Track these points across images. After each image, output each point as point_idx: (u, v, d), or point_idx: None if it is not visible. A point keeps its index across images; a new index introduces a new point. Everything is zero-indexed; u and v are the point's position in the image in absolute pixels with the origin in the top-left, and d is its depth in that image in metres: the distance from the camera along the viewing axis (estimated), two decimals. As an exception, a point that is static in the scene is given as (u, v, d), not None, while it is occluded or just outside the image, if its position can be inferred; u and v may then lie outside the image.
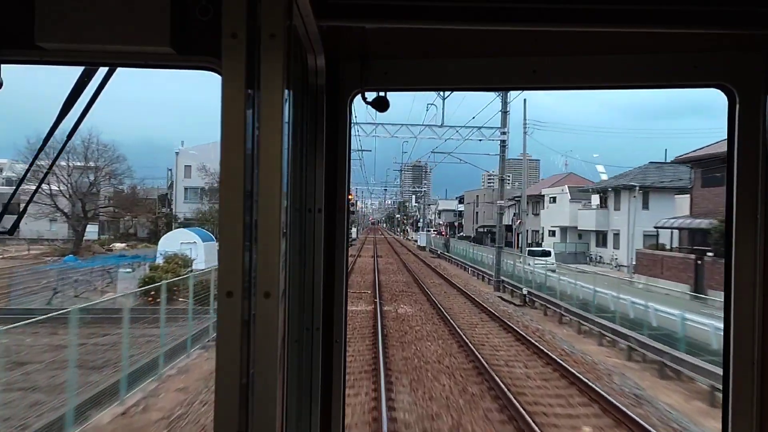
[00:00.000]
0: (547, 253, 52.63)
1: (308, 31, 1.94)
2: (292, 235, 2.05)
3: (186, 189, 66.51)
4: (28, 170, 2.52)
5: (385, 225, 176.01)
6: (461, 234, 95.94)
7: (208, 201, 66.99)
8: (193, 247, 36.84)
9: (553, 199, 64.52)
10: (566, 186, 62.85)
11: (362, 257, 55.23)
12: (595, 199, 56.85)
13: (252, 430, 1.51)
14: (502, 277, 34.04)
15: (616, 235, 51.39)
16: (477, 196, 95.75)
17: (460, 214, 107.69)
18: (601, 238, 55.09)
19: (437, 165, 64.16)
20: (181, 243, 36.77)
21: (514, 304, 28.07)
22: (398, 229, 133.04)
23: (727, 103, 2.24)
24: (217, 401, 1.49)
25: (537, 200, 69.11)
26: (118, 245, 48.26)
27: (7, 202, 2.27)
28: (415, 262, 51.98)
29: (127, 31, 1.66)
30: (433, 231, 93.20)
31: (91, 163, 46.03)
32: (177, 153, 66.36)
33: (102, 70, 1.93)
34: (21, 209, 2.35)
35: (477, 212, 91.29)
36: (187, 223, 63.89)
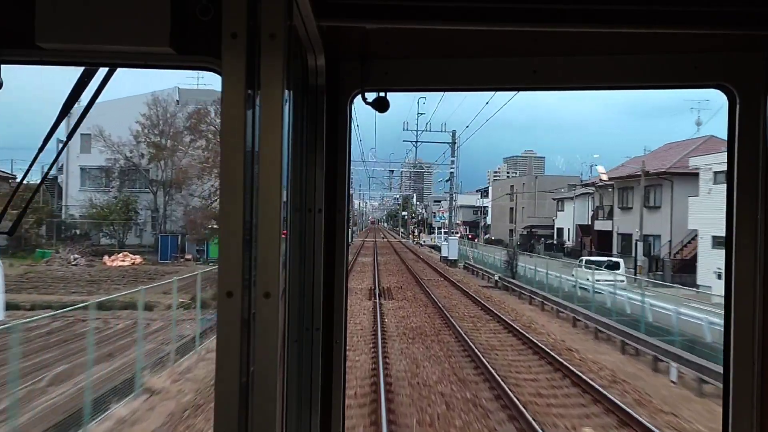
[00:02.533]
0: (614, 265, 35.21)
1: (308, 31, 1.97)
2: (292, 235, 2.10)
3: (83, 170, 44.07)
4: (28, 170, 2.47)
5: (386, 225, 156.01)
6: (488, 237, 73.74)
7: (116, 188, 44.11)
8: None
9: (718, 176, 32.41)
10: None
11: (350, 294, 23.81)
12: None
13: (252, 430, 1.53)
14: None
15: None
16: (512, 186, 72.67)
17: (483, 211, 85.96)
18: None
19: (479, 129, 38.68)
20: None
21: None
22: (402, 230, 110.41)
23: (727, 103, 2.27)
24: (217, 401, 1.51)
25: (658, 183, 42.39)
26: None
27: (8, 202, 2.23)
28: (476, 319, 22.38)
29: (127, 31, 1.67)
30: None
31: None
32: (68, 115, 43.43)
33: (102, 70, 1.95)
34: (21, 209, 2.38)
35: (512, 208, 67.64)
36: (73, 223, 40.23)
